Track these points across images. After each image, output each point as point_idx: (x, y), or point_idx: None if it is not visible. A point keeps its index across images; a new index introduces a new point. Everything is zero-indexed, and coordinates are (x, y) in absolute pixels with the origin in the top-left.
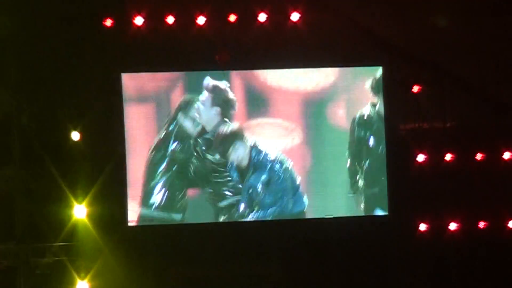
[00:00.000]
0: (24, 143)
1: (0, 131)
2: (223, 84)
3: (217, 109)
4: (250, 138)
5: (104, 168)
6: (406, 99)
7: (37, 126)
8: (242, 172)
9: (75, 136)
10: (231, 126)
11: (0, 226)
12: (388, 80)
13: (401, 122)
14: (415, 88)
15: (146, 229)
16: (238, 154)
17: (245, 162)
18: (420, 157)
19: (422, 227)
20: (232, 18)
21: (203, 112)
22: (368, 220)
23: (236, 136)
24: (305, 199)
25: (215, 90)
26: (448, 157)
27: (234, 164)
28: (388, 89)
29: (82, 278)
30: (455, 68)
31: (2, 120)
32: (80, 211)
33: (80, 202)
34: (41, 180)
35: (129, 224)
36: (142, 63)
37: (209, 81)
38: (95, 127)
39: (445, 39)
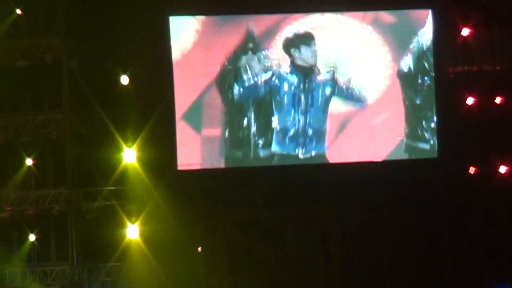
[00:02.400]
0: (74, 87)
1: (50, 76)
2: None
3: None
4: None
5: (153, 112)
6: (455, 42)
7: (86, 71)
8: None
9: (124, 80)
10: None
11: (51, 171)
12: (438, 22)
13: (451, 65)
14: (465, 31)
15: (193, 173)
16: None
17: None
18: (470, 100)
19: (472, 170)
20: None
21: None
22: (418, 163)
23: None
24: None
25: None
26: (498, 100)
27: None
28: (438, 32)
29: (133, 222)
30: (505, 10)
31: (52, 65)
32: (130, 155)
33: (130, 146)
34: (90, 124)
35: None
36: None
37: None
38: (144, 71)
39: None
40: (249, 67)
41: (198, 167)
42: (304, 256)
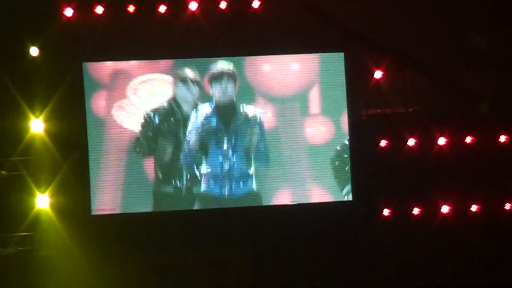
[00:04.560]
0: None
1: None
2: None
3: None
4: None
5: (67, 159)
6: (368, 86)
7: None
8: None
9: (38, 126)
10: None
11: None
12: (350, 66)
13: (363, 108)
14: (377, 74)
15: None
16: None
17: None
18: (383, 143)
19: (386, 212)
20: (193, 6)
21: None
22: (333, 205)
23: None
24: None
25: None
26: (411, 142)
27: None
28: (350, 75)
29: (42, 192)
30: (417, 54)
31: None
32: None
33: (43, 192)
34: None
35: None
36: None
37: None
38: (58, 117)
39: (406, 25)
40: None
41: None
42: None
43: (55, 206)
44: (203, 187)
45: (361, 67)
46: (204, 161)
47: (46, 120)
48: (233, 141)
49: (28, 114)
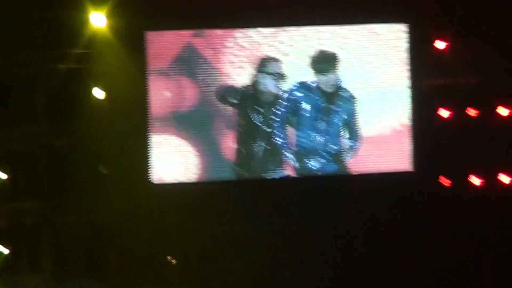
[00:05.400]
0: (49, 101)
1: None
2: None
3: None
4: None
5: None
6: (430, 56)
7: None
8: None
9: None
10: None
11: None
12: (413, 36)
13: (425, 78)
14: (440, 44)
15: None
16: None
17: None
18: (444, 113)
19: (446, 182)
20: None
21: None
22: (393, 176)
23: None
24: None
25: None
26: (472, 112)
27: None
28: (413, 45)
29: None
30: (480, 24)
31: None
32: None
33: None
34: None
35: None
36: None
37: None
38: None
39: None
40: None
41: None
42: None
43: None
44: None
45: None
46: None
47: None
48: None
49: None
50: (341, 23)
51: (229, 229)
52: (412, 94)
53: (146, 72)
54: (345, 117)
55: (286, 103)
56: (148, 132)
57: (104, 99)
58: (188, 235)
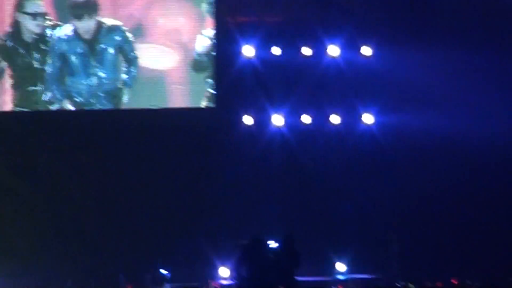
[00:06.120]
0: None
1: None
2: None
3: None
4: None
5: None
6: None
7: None
8: None
9: None
10: None
11: None
12: None
13: (230, 15)
14: None
15: None
16: None
17: None
18: (248, 51)
19: (247, 119)
20: None
21: None
22: (195, 112)
23: None
24: None
25: None
26: (277, 51)
27: None
28: None
29: None
30: None
31: None
32: None
33: None
34: None
35: None
36: None
37: None
38: None
39: None
40: None
41: None
42: None
43: None
44: None
45: None
46: None
47: None
48: None
49: None
50: None
51: None
52: (217, 31)
53: None
54: (113, 51)
55: (52, 57)
56: None
57: None
58: None
